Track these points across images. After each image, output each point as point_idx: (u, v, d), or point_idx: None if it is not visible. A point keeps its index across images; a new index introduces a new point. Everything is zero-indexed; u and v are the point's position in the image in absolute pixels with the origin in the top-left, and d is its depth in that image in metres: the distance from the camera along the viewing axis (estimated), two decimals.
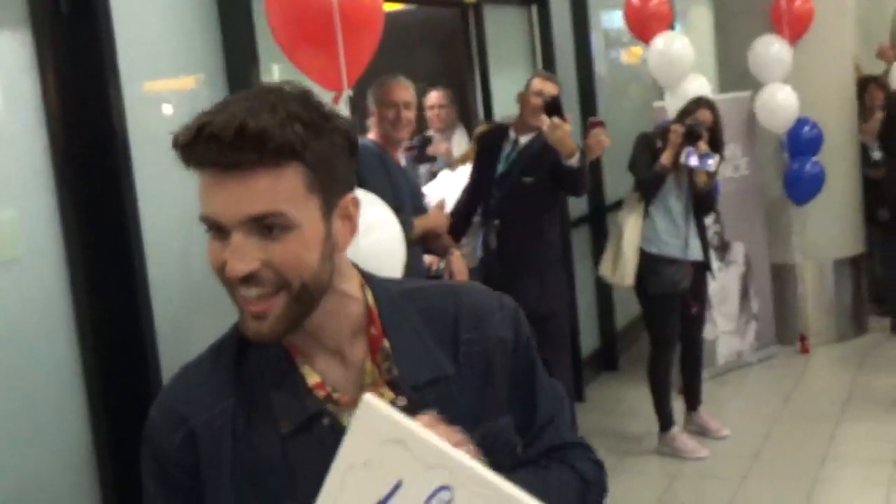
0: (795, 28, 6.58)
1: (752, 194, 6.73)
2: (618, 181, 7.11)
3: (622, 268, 5.30)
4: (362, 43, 2.97)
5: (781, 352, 6.91)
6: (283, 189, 1.28)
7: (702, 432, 5.60)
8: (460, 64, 5.49)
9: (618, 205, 7.09)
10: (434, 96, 6.18)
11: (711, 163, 5.13)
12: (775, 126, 6.55)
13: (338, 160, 1.34)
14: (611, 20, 7.58)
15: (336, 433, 1.30)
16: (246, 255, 1.28)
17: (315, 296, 1.35)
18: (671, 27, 6.24)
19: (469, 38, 5.53)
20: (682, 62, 5.53)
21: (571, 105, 6.50)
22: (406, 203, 4.21)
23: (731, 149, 6.22)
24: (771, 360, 6.82)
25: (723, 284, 6.48)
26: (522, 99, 5.00)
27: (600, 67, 7.21)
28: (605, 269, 5.45)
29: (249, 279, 1.30)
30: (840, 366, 6.73)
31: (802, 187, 6.76)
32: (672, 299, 5.35)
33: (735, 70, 6.96)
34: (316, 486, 1.20)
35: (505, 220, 4.94)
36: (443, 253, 4.62)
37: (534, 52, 6.23)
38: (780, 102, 6.44)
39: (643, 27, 5.86)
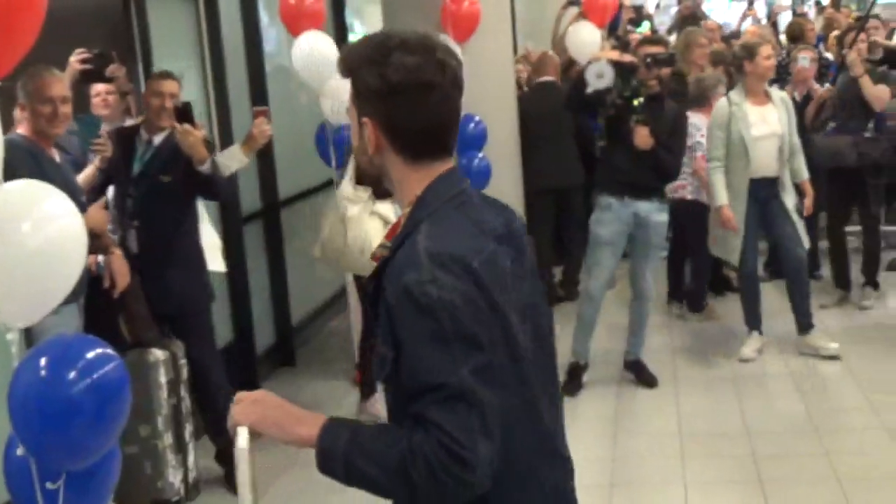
0: (463, 29, 6.79)
1: None
2: (292, 177, 7.12)
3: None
4: (6, 27, 2.70)
5: None
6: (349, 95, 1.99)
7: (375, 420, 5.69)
8: (123, 57, 5.27)
9: (290, 201, 7.11)
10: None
11: None
12: None
13: (371, 89, 1.89)
14: None
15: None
16: (352, 131, 2.02)
17: (365, 168, 2.02)
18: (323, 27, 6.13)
19: (131, 29, 5.32)
20: (326, 62, 5.53)
21: (242, 100, 6.43)
22: None
23: None
24: None
25: None
26: (144, 100, 4.96)
27: (275, 61, 7.16)
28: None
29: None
30: None
31: (470, 181, 6.98)
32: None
33: None
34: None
35: (145, 220, 4.86)
36: (103, 252, 4.47)
37: (202, 45, 6.09)
38: None
39: (296, 25, 5.82)
